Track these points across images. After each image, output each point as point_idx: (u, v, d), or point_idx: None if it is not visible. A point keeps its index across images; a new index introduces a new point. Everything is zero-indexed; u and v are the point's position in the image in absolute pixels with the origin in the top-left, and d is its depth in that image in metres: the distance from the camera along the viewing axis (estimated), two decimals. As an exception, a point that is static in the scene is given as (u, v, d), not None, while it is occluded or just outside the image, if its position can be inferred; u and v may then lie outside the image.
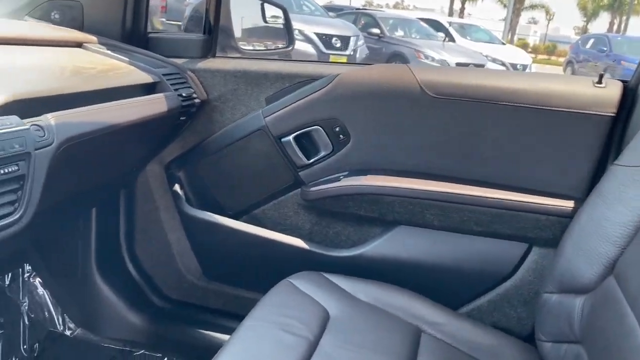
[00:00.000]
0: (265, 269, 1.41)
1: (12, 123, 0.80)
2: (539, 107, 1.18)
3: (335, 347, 0.98)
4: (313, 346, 0.98)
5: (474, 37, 12.71)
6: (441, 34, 11.57)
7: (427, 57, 9.66)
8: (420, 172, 1.29)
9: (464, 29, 13.20)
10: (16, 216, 0.78)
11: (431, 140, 1.27)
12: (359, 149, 1.32)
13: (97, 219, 1.44)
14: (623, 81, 1.19)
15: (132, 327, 1.49)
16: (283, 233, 1.42)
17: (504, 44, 13.66)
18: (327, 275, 1.22)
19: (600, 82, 1.16)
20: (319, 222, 1.42)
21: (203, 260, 1.52)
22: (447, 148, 1.26)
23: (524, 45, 16.17)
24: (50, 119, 0.88)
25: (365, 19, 11.23)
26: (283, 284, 1.16)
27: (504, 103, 1.20)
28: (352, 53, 8.67)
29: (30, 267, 1.49)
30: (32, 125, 0.83)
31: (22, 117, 0.82)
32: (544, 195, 1.20)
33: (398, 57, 9.77)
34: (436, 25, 12.26)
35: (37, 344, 1.44)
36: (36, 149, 0.82)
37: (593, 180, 1.16)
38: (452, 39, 11.66)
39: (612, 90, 1.15)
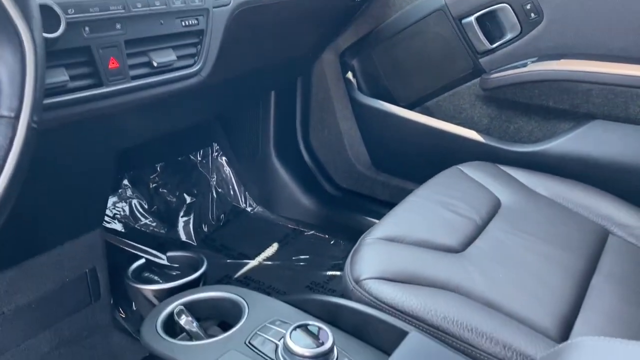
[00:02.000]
0: (436, 162, 1.35)
1: (193, -21, 0.83)
2: None
3: (504, 232, 0.91)
4: (480, 228, 0.92)
5: None
6: None
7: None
8: (626, 56, 1.09)
9: None
10: (196, 67, 0.83)
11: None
12: (553, 29, 1.15)
13: (275, 104, 1.51)
14: None
15: (304, 209, 1.57)
16: (457, 126, 1.34)
17: None
18: (502, 167, 1.12)
19: None
20: (498, 116, 1.30)
21: (373, 151, 1.51)
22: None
23: None
24: None
25: None
26: (452, 169, 1.10)
27: None
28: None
29: (218, 147, 1.63)
30: (211, -17, 0.86)
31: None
32: None
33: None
34: None
35: (222, 215, 1.60)
36: (214, 7, 0.85)
37: None
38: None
39: None
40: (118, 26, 0.72)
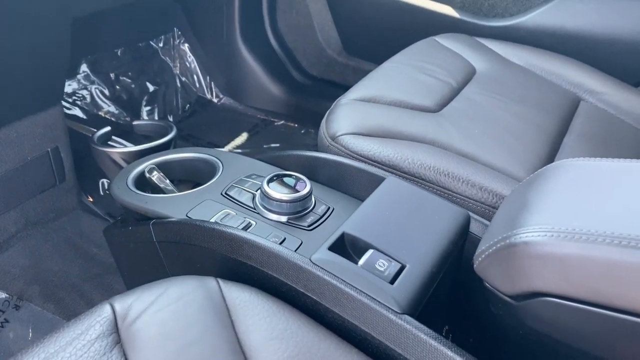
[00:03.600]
0: (410, 41, 1.31)
1: None
2: None
3: (479, 94, 0.90)
4: (455, 91, 0.90)
5: None
6: None
7: None
8: None
9: None
10: None
11: None
12: None
13: None
14: None
15: (273, 98, 1.53)
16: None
17: None
18: (478, 39, 1.10)
19: None
20: (471, -8, 1.26)
21: (344, 34, 1.46)
22: None
23: None
24: None
25: None
26: (428, 40, 1.07)
27: None
28: None
29: (179, 32, 1.54)
30: None
31: None
32: None
33: None
34: None
35: (188, 105, 1.54)
36: None
37: None
38: None
39: None
40: None
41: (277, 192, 0.64)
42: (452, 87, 0.91)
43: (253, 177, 0.71)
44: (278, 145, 1.45)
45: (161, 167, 0.76)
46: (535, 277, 0.42)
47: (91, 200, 1.15)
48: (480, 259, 0.47)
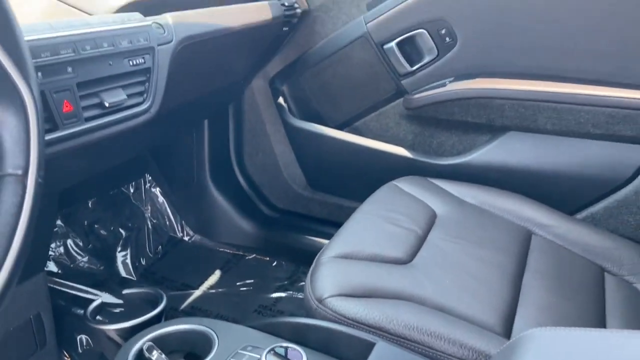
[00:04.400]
0: (368, 178, 1.42)
1: (136, 19, 0.85)
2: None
3: (443, 240, 0.99)
4: (422, 239, 0.99)
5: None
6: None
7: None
8: (533, 73, 1.22)
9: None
10: (145, 105, 0.85)
11: (546, 37, 1.19)
12: (466, 51, 1.27)
13: (209, 131, 1.52)
14: None
15: (244, 233, 1.59)
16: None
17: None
18: (432, 180, 1.21)
19: None
20: (421, 133, 1.40)
21: (307, 171, 1.57)
22: (565, 44, 1.18)
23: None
24: (168, 18, 0.92)
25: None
26: (388, 185, 1.17)
27: (632, -10, 1.09)
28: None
29: (150, 178, 1.62)
30: (153, 22, 0.88)
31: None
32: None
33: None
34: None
35: (160, 247, 1.58)
36: (159, 45, 0.87)
37: None
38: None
39: None
40: (69, 69, 0.72)
41: (277, 367, 0.68)
42: (418, 234, 1.00)
43: (249, 349, 0.76)
44: (252, 281, 1.49)
45: (157, 341, 0.79)
46: None
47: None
48: None
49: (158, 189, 1.62)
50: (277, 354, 0.70)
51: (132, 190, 1.59)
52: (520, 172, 1.27)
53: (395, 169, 1.39)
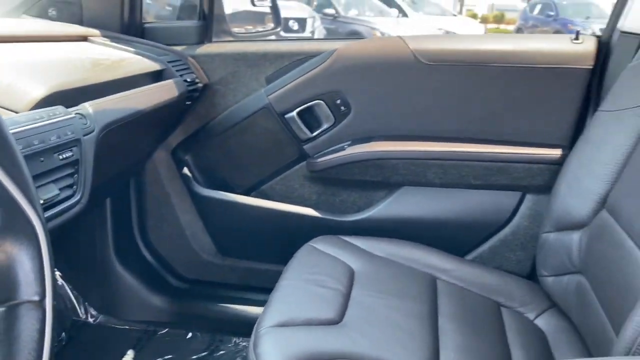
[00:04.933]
0: (278, 240, 1.49)
1: (60, 112, 0.85)
2: (524, 65, 1.29)
3: (365, 296, 1.08)
4: (347, 297, 1.07)
5: (426, 11, 12.87)
6: (394, 10, 11.69)
7: (382, 34, 9.77)
8: (419, 135, 1.39)
9: (415, 3, 13.33)
10: (77, 198, 0.84)
11: (427, 105, 1.36)
12: (360, 118, 1.41)
13: (111, 209, 1.49)
14: (597, 36, 1.31)
15: (154, 308, 1.55)
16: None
17: (455, 15, 13.89)
18: (343, 237, 1.31)
19: (577, 38, 1.28)
20: (324, 192, 1.51)
21: (217, 238, 1.59)
22: (443, 110, 1.36)
23: (473, 16, 16.45)
24: (88, 107, 0.93)
25: (318, 0, 11.23)
26: (306, 247, 1.24)
27: (493, 64, 1.30)
28: (310, 35, 8.70)
29: (48, 261, 1.53)
30: (76, 113, 0.89)
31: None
32: (535, 146, 1.32)
33: (355, 37, 9.85)
34: (388, 1, 12.37)
35: (63, 333, 1.48)
36: (84, 135, 0.88)
37: (577, 128, 1.28)
38: (404, 14, 11.80)
39: (588, 45, 1.27)
40: (3, 171, 0.70)
41: None
42: (343, 292, 1.08)
43: None
44: (170, 356, 1.45)
45: None
46: None
47: None
48: None
49: (58, 272, 1.53)
50: None
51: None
52: (415, 221, 1.42)
53: (302, 228, 1.47)
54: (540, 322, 1.15)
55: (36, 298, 0.42)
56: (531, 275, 1.34)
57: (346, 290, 1.09)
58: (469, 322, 1.07)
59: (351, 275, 1.16)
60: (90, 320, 1.55)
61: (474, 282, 1.22)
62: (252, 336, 0.95)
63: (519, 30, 14.09)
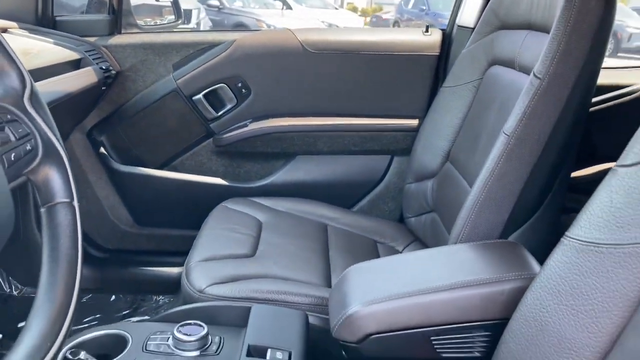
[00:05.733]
0: (190, 208, 1.70)
1: None
2: (387, 53, 1.62)
3: (272, 237, 1.35)
4: (257, 239, 1.33)
5: (309, 4, 13.31)
6: (279, 2, 11.97)
7: (268, 25, 10.02)
8: (310, 112, 1.67)
9: (298, -4, 13.71)
10: None
11: (314, 86, 1.65)
12: (259, 99, 1.66)
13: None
14: (442, 29, 1.67)
15: (77, 277, 1.70)
16: (201, 177, 1.73)
17: (336, 9, 14.49)
18: (251, 198, 1.56)
19: (427, 31, 1.63)
20: (230, 164, 1.75)
21: (134, 210, 1.77)
22: (326, 91, 1.66)
23: (354, 9, 17.22)
24: None
25: (202, -9, 11.19)
26: (220, 206, 1.48)
27: (363, 52, 1.62)
28: (195, 26, 8.71)
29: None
30: None
31: None
32: (398, 118, 1.66)
33: (241, 28, 9.99)
34: (272, -6, 12.61)
35: (-11, 306, 1.59)
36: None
37: (429, 101, 1.64)
38: (289, 7, 12.14)
39: (435, 37, 1.63)
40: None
41: (187, 335, 0.94)
42: (253, 236, 1.34)
43: (157, 334, 0.99)
44: (97, 316, 1.62)
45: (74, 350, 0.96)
46: (365, 327, 0.85)
47: None
48: (335, 328, 0.88)
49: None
50: (182, 331, 0.96)
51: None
52: (309, 183, 1.71)
53: (212, 195, 1.69)
54: (406, 252, 1.50)
55: (67, 200, 0.63)
56: (400, 220, 1.68)
57: (256, 235, 1.35)
58: (352, 253, 1.37)
59: (259, 224, 1.42)
60: (15, 293, 1.67)
61: (356, 226, 1.53)
62: (183, 270, 1.18)
63: (395, 23, 15.01)
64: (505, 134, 0.97)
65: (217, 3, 10.60)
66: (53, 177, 0.63)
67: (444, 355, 0.87)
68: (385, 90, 1.65)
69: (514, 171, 0.98)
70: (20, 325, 1.55)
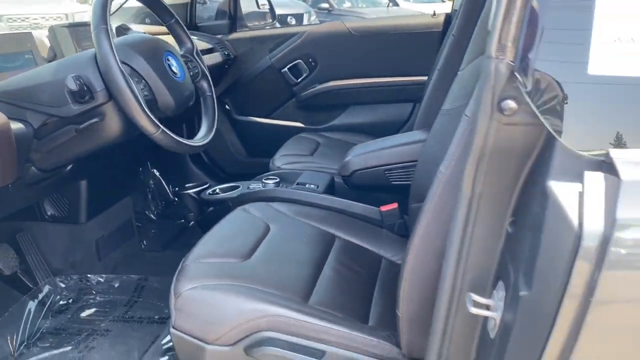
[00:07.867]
0: (282, 143, 2.58)
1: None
2: (405, 32, 2.39)
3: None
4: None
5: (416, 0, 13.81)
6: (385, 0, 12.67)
7: (374, 23, 10.72)
8: (356, 75, 2.50)
9: (407, -6, 14.26)
10: None
11: (358, 57, 2.47)
12: (323, 69, 2.51)
13: None
14: (447, 14, 2.41)
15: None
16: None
17: (443, 1, 14.79)
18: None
19: (434, 15, 2.38)
20: (307, 115, 2.62)
21: (245, 145, 2.70)
22: (366, 60, 2.45)
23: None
24: None
25: (313, -5, 12.25)
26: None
27: (390, 32, 2.42)
28: (307, 28, 9.70)
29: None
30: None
31: None
32: (415, 76, 2.40)
33: (349, 27, 10.82)
34: (379, -7, 13.32)
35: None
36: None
37: (434, 64, 2.37)
38: (395, 4, 12.78)
39: (439, 19, 2.37)
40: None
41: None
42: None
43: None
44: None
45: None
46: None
47: None
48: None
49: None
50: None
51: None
52: (357, 126, 2.51)
53: (295, 135, 2.54)
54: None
55: (210, 94, 1.55)
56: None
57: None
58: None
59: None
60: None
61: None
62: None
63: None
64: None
65: (327, 5, 11.59)
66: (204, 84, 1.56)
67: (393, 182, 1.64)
68: (405, 57, 2.41)
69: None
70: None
